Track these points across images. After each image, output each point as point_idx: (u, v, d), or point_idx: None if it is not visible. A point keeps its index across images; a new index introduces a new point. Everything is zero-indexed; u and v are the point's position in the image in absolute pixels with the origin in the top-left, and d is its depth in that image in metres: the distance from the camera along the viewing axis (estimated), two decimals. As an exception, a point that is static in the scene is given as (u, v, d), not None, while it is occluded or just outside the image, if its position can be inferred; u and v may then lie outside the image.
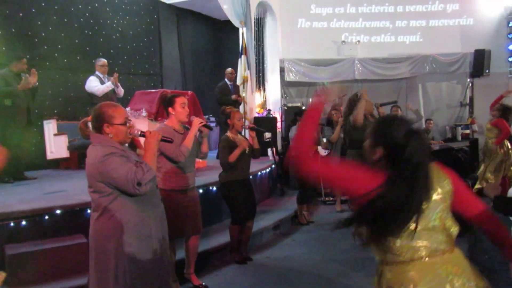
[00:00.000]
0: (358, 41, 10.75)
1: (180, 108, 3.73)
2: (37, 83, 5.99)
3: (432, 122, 9.55)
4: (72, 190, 4.96)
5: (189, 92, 6.39)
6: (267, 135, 4.72)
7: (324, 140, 6.98)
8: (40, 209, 3.99)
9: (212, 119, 9.88)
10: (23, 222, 3.85)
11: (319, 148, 6.57)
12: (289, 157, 1.76)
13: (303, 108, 8.61)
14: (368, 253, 1.83)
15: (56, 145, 6.93)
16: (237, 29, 8.99)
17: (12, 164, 5.70)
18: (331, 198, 7.58)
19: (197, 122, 3.73)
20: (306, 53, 10.48)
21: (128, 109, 6.17)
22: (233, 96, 8.06)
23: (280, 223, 6.03)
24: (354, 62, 10.53)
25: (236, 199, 4.54)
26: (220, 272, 4.52)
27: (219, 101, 7.98)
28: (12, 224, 3.78)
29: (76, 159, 7.26)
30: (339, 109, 7.06)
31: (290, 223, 6.33)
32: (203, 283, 4.09)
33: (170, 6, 10.17)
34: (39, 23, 7.61)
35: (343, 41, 10.71)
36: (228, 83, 8.23)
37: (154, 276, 2.62)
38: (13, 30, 7.20)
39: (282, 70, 10.33)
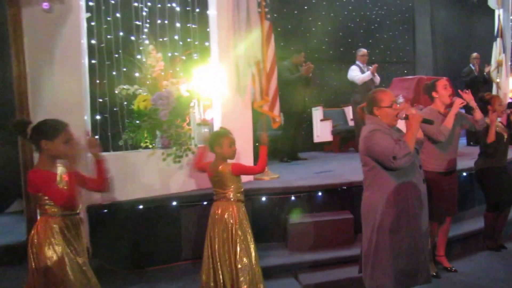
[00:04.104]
0: None
1: (443, 90, 3.88)
2: (310, 74, 6.78)
3: None
4: (338, 170, 5.55)
5: (444, 78, 6.23)
6: (522, 121, 4.49)
7: None
8: (314, 185, 4.62)
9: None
10: (301, 196, 4.53)
11: None
12: None
13: None
14: None
15: (322, 130, 7.80)
16: (492, 11, 8.23)
17: (290, 146, 6.73)
18: None
19: (458, 102, 3.84)
20: None
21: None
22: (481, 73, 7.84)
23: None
24: None
25: (493, 186, 4.43)
26: (473, 258, 4.45)
27: (469, 86, 7.62)
28: (293, 198, 4.51)
29: (337, 143, 7.93)
30: None
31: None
32: (453, 267, 4.08)
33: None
34: (310, 19, 8.56)
35: None
36: (473, 68, 8.07)
37: (416, 253, 2.78)
38: (289, 26, 8.32)
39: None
